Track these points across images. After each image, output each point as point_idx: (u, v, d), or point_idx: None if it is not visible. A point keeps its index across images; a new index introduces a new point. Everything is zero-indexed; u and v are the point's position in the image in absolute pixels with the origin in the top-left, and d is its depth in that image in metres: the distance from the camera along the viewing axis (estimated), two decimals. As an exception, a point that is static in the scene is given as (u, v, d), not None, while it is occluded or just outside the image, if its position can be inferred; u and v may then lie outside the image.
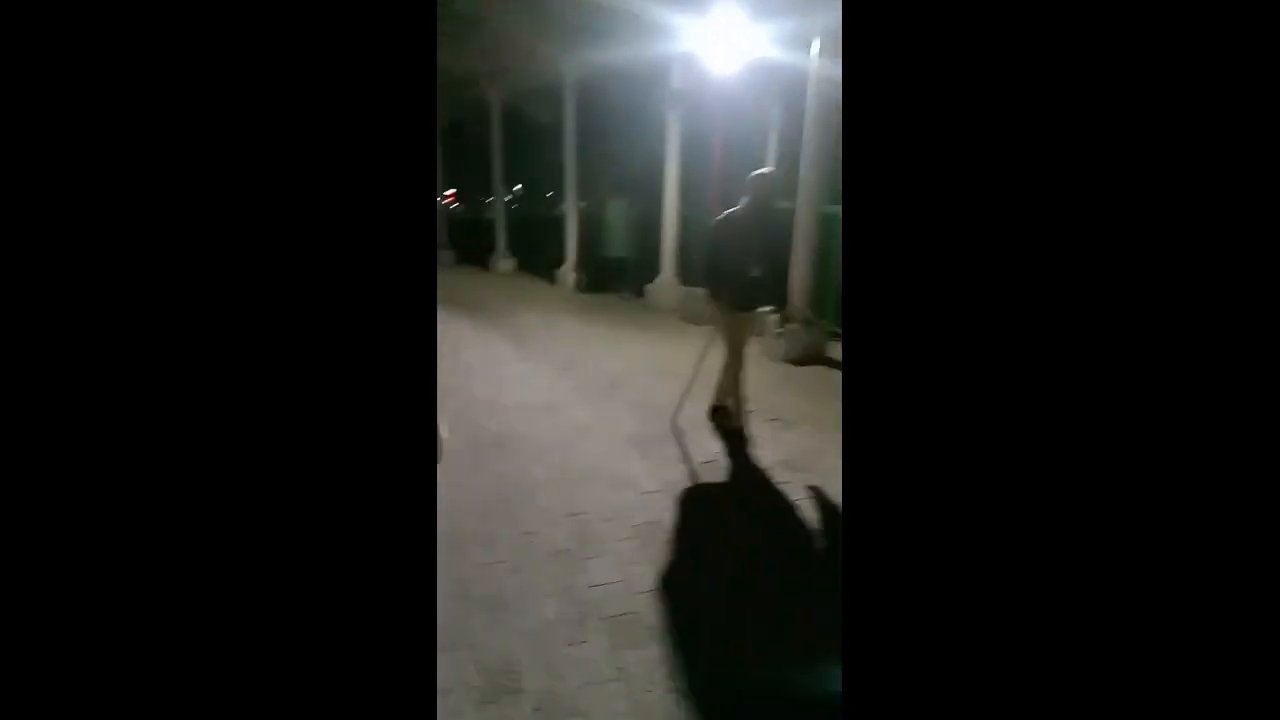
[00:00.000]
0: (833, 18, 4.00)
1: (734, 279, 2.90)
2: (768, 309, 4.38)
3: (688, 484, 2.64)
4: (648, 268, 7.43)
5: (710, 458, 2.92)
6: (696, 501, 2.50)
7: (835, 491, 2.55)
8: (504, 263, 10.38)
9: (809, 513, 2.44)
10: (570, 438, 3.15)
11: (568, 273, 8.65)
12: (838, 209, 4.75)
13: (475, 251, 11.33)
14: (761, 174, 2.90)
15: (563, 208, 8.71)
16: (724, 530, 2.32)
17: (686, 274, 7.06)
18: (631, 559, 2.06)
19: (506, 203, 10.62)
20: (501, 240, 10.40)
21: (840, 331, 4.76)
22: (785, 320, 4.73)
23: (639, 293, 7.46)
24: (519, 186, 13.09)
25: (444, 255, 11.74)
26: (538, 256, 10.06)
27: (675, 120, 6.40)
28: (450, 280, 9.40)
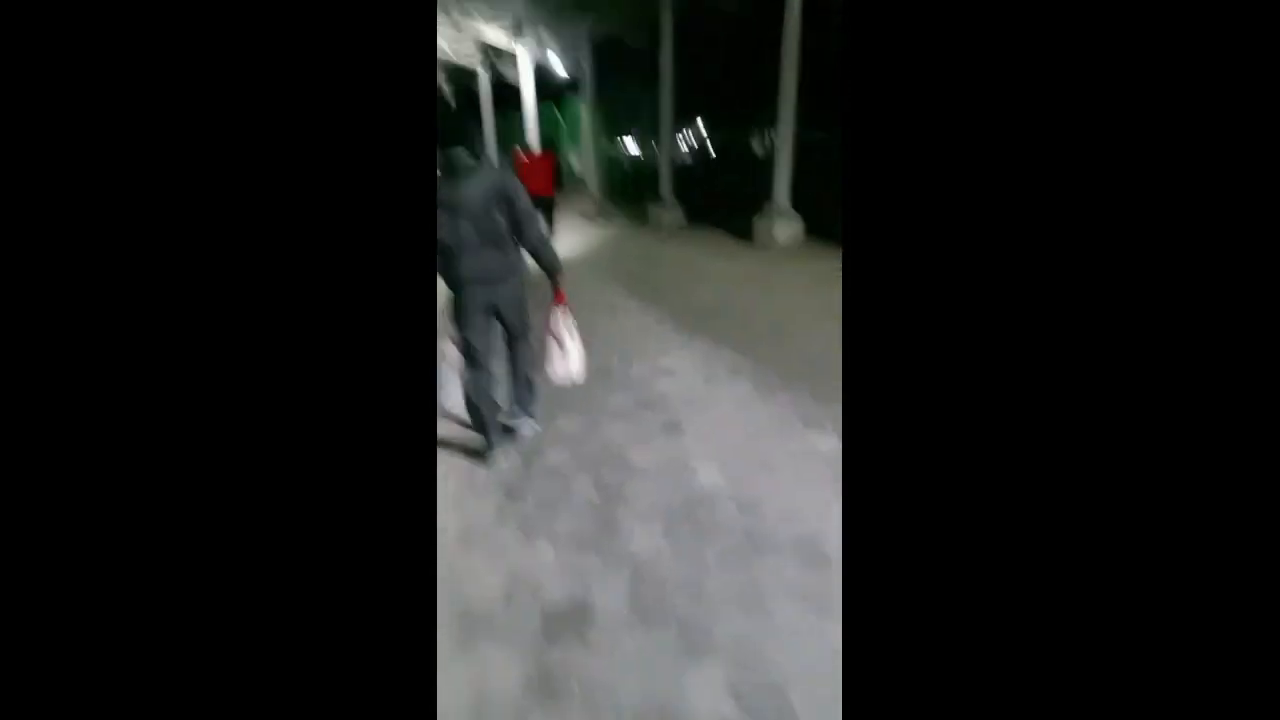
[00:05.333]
0: None
1: None
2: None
3: None
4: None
5: None
6: None
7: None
8: (783, 226, 6.57)
9: None
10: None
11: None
12: None
13: (711, 209, 7.80)
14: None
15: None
16: None
17: None
18: None
19: (700, 138, 6.68)
20: (783, 192, 6.57)
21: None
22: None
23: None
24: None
25: (667, 214, 8.33)
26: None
27: None
28: (695, 266, 5.93)
